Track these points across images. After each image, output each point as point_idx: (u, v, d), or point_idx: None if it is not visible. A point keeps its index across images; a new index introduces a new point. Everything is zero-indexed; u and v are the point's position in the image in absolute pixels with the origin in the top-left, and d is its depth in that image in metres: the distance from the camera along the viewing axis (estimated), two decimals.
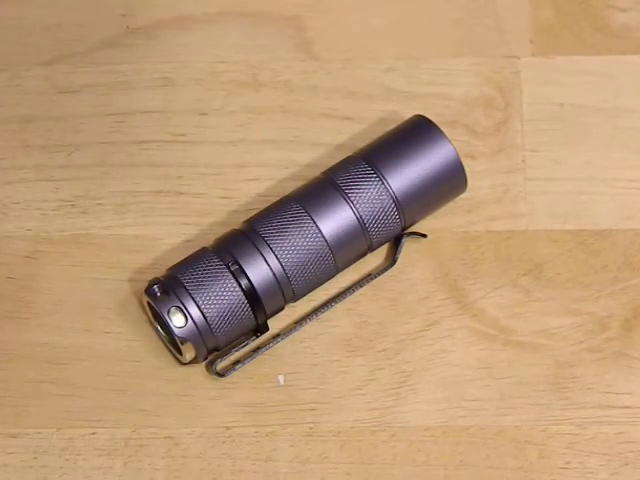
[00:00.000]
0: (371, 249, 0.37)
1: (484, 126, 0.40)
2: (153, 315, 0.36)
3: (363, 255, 0.37)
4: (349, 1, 0.43)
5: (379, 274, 0.37)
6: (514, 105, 0.40)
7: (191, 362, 0.36)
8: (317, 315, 0.37)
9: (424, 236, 0.38)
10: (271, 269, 0.35)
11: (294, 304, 0.37)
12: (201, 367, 0.36)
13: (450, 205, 0.38)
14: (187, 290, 0.35)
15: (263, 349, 0.36)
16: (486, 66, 0.41)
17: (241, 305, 0.35)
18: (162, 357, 0.37)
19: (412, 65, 0.41)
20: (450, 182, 0.37)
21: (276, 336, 0.37)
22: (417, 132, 0.37)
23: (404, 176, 0.36)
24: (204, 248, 0.36)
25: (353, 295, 0.37)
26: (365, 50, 0.42)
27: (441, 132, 0.37)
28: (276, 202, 0.37)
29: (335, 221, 0.36)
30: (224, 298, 0.35)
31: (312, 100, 0.41)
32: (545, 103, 0.41)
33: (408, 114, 0.39)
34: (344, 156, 0.38)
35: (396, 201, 0.36)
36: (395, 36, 0.42)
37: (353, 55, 0.42)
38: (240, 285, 0.35)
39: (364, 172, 0.36)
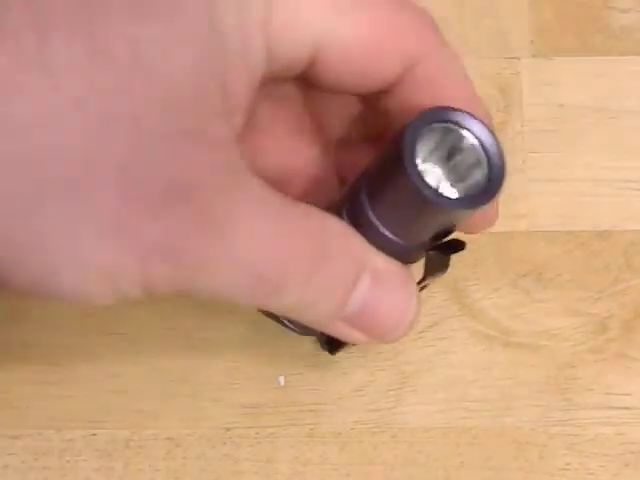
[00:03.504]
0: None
1: None
2: None
3: None
4: None
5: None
6: (514, 106, 0.40)
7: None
8: None
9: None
10: None
11: None
12: (201, 368, 0.36)
13: None
14: None
15: None
16: (486, 67, 0.41)
17: None
18: (162, 358, 0.37)
19: None
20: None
21: None
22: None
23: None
24: None
25: None
26: None
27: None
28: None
29: None
30: None
31: None
32: (546, 104, 0.40)
33: None
34: None
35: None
36: None
37: None
38: None
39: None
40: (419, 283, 0.28)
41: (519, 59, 0.41)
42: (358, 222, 0.27)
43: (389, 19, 0.26)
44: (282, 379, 0.37)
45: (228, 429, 0.36)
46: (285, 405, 0.36)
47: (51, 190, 0.21)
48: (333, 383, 0.36)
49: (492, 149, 0.26)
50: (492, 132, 0.26)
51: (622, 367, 0.37)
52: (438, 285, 0.38)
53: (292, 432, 0.36)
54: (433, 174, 0.26)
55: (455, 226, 0.27)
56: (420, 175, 0.24)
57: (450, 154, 0.26)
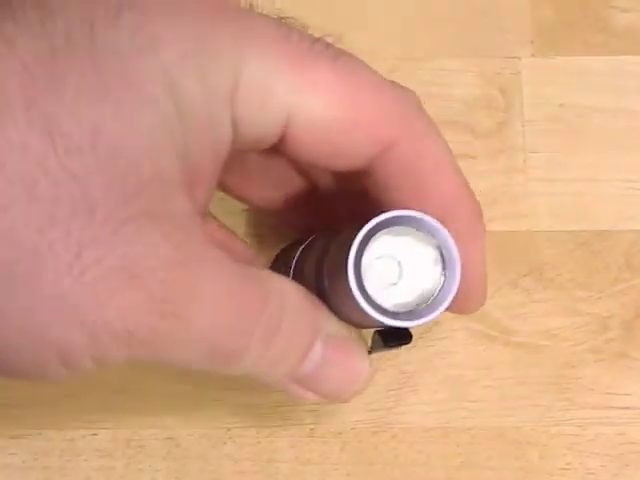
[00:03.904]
0: None
1: (485, 126, 0.40)
2: None
3: None
4: (349, 1, 0.43)
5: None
6: (515, 105, 0.40)
7: None
8: None
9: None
10: None
11: None
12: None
13: None
14: None
15: None
16: (487, 66, 0.41)
17: None
18: None
19: (413, 65, 0.41)
20: None
21: None
22: None
23: None
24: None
25: None
26: (366, 50, 0.42)
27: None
28: None
29: None
30: None
31: None
32: (546, 104, 0.40)
33: None
34: None
35: None
36: (396, 36, 0.42)
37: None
38: None
39: None
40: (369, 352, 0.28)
41: (519, 59, 0.41)
42: (320, 286, 0.27)
43: (364, 99, 0.25)
44: None
45: (228, 429, 0.36)
46: (285, 405, 0.36)
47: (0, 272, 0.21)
48: None
49: (451, 264, 0.25)
50: (455, 247, 0.24)
51: (622, 367, 0.37)
52: None
53: (292, 432, 0.36)
54: (396, 254, 0.25)
55: None
56: (362, 290, 0.24)
57: (415, 257, 0.25)
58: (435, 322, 0.37)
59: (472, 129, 0.40)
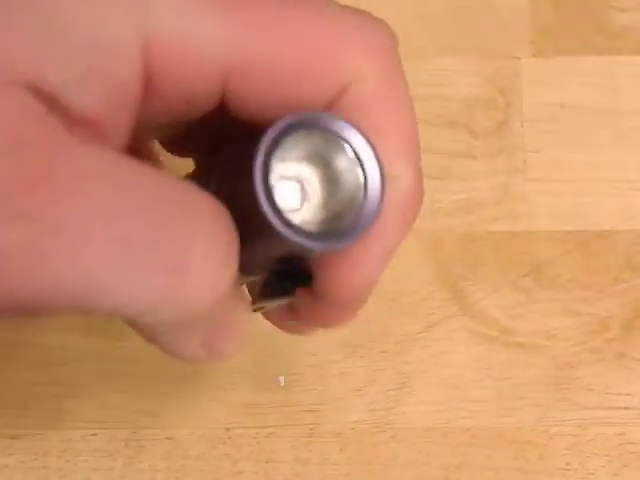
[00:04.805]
0: None
1: (485, 127, 0.40)
2: None
3: None
4: (348, 1, 0.43)
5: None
6: (515, 106, 0.40)
7: None
8: None
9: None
10: None
11: None
12: (201, 368, 0.36)
13: (450, 206, 0.38)
14: None
15: None
16: (486, 67, 0.41)
17: None
18: (162, 358, 0.37)
19: (412, 65, 0.41)
20: None
21: None
22: None
23: None
24: None
25: None
26: None
27: None
28: None
29: None
30: None
31: None
32: (546, 104, 0.40)
33: None
34: None
35: None
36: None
37: None
38: None
39: None
40: (253, 304, 0.24)
41: (519, 59, 0.41)
42: None
43: (319, 35, 0.21)
44: (282, 379, 0.37)
45: (228, 429, 0.36)
46: (285, 405, 0.36)
47: None
48: (333, 383, 0.36)
49: (372, 180, 0.20)
50: (381, 166, 0.20)
51: (622, 367, 0.37)
52: (438, 285, 0.38)
53: (292, 432, 0.36)
54: (302, 179, 0.21)
55: (307, 256, 0.22)
56: (269, 198, 0.19)
57: (327, 167, 0.21)
58: (435, 322, 0.37)
59: (472, 129, 0.40)
